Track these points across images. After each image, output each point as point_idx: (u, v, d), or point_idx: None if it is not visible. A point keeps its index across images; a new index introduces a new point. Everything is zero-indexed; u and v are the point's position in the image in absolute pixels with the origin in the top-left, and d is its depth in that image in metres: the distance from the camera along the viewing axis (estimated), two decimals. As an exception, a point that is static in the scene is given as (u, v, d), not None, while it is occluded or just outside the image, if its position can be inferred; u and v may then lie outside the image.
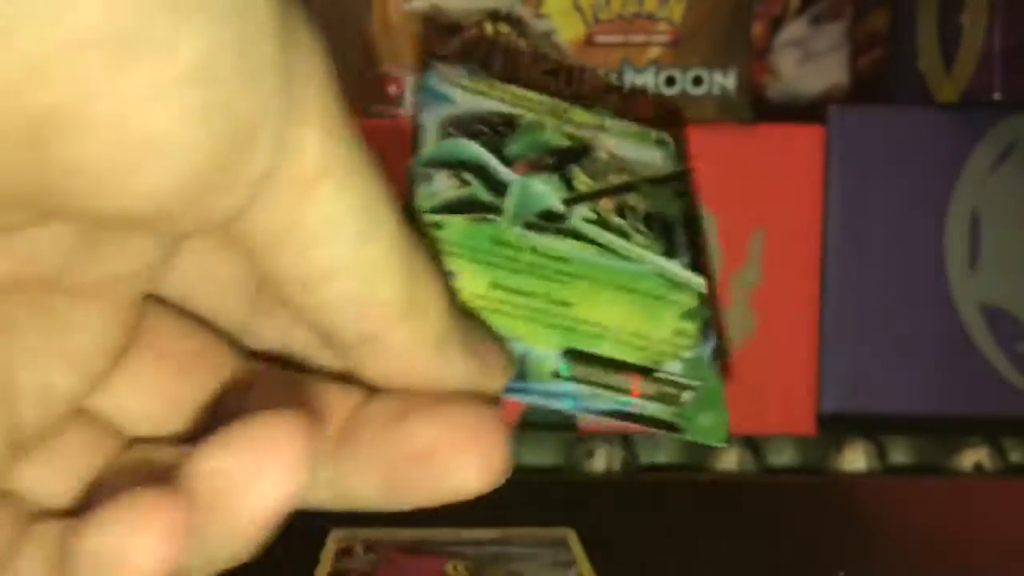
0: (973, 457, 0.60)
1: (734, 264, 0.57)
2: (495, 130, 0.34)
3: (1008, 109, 0.58)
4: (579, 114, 0.37)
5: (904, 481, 0.58)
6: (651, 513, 0.51)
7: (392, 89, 0.57)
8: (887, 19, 0.64)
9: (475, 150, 0.32)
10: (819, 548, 0.45)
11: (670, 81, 0.56)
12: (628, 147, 0.37)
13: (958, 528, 0.49)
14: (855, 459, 0.60)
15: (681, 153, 0.39)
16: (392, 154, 0.60)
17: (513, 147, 0.34)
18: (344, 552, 0.42)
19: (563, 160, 0.34)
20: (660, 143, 0.38)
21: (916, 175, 0.58)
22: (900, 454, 0.62)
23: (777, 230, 0.57)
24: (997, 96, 0.54)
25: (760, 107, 0.77)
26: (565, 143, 0.35)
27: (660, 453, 0.62)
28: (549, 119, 0.36)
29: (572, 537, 0.44)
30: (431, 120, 0.33)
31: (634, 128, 0.38)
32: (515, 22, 0.56)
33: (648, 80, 0.56)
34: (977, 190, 0.58)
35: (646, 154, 0.37)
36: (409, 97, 0.57)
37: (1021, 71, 0.54)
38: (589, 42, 0.56)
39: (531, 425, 0.58)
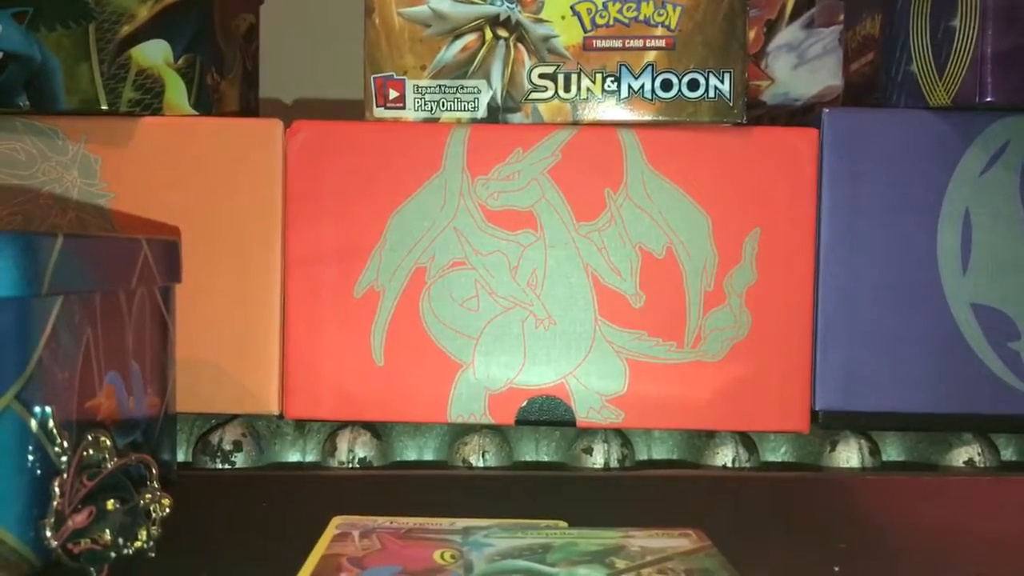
0: (965, 454, 0.61)
1: (729, 264, 0.58)
2: (533, 550, 0.41)
3: (999, 112, 0.58)
4: (602, 534, 0.43)
5: (897, 478, 0.58)
6: (647, 508, 0.51)
7: (393, 92, 0.58)
8: (880, 23, 0.65)
9: (521, 564, 0.39)
10: (814, 544, 0.45)
11: (666, 85, 0.57)
12: (656, 541, 0.42)
13: (951, 524, 0.49)
14: (849, 456, 0.60)
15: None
16: (392, 154, 0.61)
17: (554, 556, 0.40)
18: (341, 537, 0.42)
19: (601, 555, 0.40)
20: (684, 536, 0.43)
21: (909, 177, 0.58)
22: (893, 451, 0.63)
23: (771, 230, 0.58)
24: (989, 99, 0.54)
25: (755, 110, 0.78)
26: (600, 547, 0.41)
27: (656, 449, 0.62)
28: (581, 540, 0.42)
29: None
30: (478, 557, 0.40)
31: (658, 529, 0.44)
32: (514, 27, 0.57)
33: (645, 84, 0.57)
34: (969, 191, 0.59)
35: (674, 542, 0.42)
36: (409, 100, 0.58)
37: (1012, 74, 0.54)
38: (587, 46, 0.57)
39: (531, 422, 0.58)
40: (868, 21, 0.67)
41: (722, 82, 0.57)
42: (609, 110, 0.57)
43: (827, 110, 0.59)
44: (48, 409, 0.39)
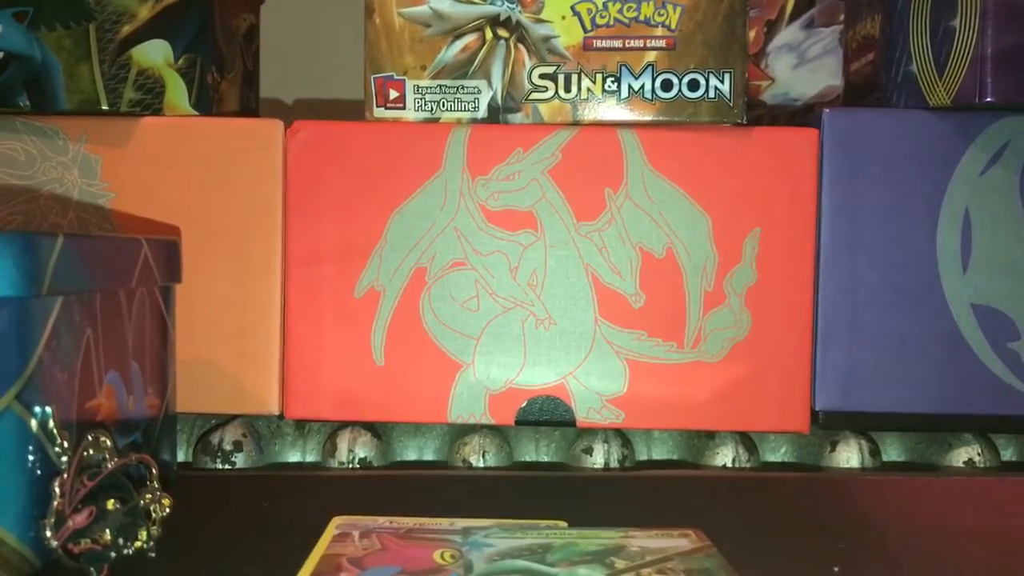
0: (965, 454, 0.61)
1: (729, 264, 0.58)
2: (533, 550, 0.41)
3: (999, 112, 0.58)
4: (602, 535, 0.43)
5: (897, 478, 0.58)
6: (647, 508, 0.51)
7: (393, 92, 0.58)
8: (880, 23, 0.65)
9: (521, 564, 0.39)
10: (814, 544, 0.45)
11: (667, 85, 0.57)
12: (656, 541, 0.42)
13: (951, 524, 0.49)
14: (849, 456, 0.60)
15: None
16: (393, 154, 0.61)
17: (554, 556, 0.40)
18: (341, 537, 0.42)
19: (601, 555, 0.40)
20: (684, 536, 0.43)
21: (909, 177, 0.59)
22: (893, 451, 0.63)
23: (772, 231, 0.58)
24: (989, 99, 0.54)
25: (755, 110, 0.78)
26: (600, 547, 0.41)
27: (656, 449, 0.62)
28: (581, 540, 0.42)
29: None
30: (478, 557, 0.40)
31: (658, 529, 0.44)
32: (514, 27, 0.57)
33: (645, 84, 0.57)
34: (969, 191, 0.59)
35: (673, 543, 0.42)
36: (409, 100, 0.58)
37: (1012, 74, 0.54)
38: (587, 47, 0.57)
39: (531, 422, 0.58)
40: (868, 21, 0.67)
41: (722, 82, 0.57)
42: (609, 110, 0.57)
43: (827, 110, 0.59)
44: (48, 409, 0.39)
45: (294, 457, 0.62)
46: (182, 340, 0.55)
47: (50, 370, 0.39)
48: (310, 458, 0.62)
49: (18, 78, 0.58)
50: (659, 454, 0.62)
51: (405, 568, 0.39)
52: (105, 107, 0.58)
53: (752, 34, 0.78)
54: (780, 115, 0.79)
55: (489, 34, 0.57)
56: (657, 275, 0.58)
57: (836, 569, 0.42)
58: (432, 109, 0.58)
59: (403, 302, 0.58)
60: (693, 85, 0.57)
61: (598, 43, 0.57)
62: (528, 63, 0.57)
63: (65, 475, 0.39)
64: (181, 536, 0.43)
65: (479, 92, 0.57)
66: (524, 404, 0.58)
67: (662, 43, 0.57)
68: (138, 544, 0.41)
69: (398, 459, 0.62)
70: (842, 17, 0.76)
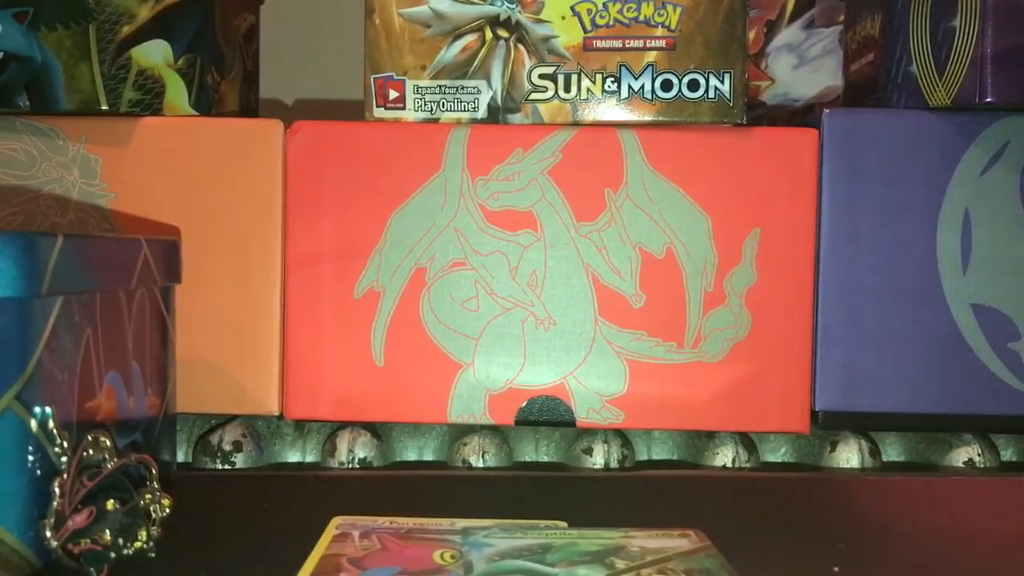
0: (965, 454, 0.61)
1: (729, 264, 0.58)
2: (533, 550, 0.41)
3: (999, 112, 0.58)
4: (602, 535, 0.43)
5: (897, 478, 0.58)
6: (647, 508, 0.51)
7: (393, 93, 0.58)
8: (880, 23, 0.65)
9: (521, 564, 0.39)
10: (814, 544, 0.45)
11: (667, 85, 0.57)
12: (656, 542, 0.42)
13: (951, 524, 0.49)
14: (849, 456, 0.60)
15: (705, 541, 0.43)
16: (392, 155, 0.61)
17: (554, 556, 0.40)
18: (341, 537, 0.42)
19: (601, 555, 0.40)
20: (684, 536, 0.43)
21: (909, 177, 0.59)
22: (893, 451, 0.63)
23: (772, 231, 0.58)
24: (989, 99, 0.54)
25: (755, 110, 0.78)
26: (600, 547, 0.41)
27: (656, 450, 0.62)
28: (581, 540, 0.42)
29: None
30: (478, 557, 0.40)
31: (658, 529, 0.44)
32: (514, 27, 0.57)
33: (645, 84, 0.57)
34: (969, 191, 0.59)
35: (674, 543, 0.42)
36: (409, 100, 0.58)
37: (1012, 74, 0.54)
38: (587, 47, 0.57)
39: (531, 422, 0.58)
40: (868, 21, 0.67)
41: (722, 82, 0.57)
42: (609, 110, 0.57)
43: (827, 110, 0.59)
44: (48, 409, 0.39)
45: (294, 457, 0.62)
46: (182, 340, 0.55)
47: (50, 370, 0.39)
48: (310, 458, 0.62)
49: (18, 78, 0.58)
50: (659, 454, 0.62)
51: (405, 568, 0.39)
52: (105, 107, 0.58)
53: (752, 34, 0.78)
54: (780, 115, 0.79)
55: (489, 34, 0.57)
56: (657, 275, 0.58)
57: (836, 569, 0.42)
58: (432, 109, 0.58)
59: (403, 302, 0.58)
60: (693, 85, 0.57)
61: (598, 43, 0.57)
62: (528, 63, 0.57)
63: (65, 475, 0.39)
64: (181, 536, 0.43)
65: (479, 92, 0.57)
66: (524, 404, 0.58)
67: (662, 43, 0.57)
68: (138, 544, 0.41)
69: (398, 459, 0.62)
70: (842, 17, 0.76)
